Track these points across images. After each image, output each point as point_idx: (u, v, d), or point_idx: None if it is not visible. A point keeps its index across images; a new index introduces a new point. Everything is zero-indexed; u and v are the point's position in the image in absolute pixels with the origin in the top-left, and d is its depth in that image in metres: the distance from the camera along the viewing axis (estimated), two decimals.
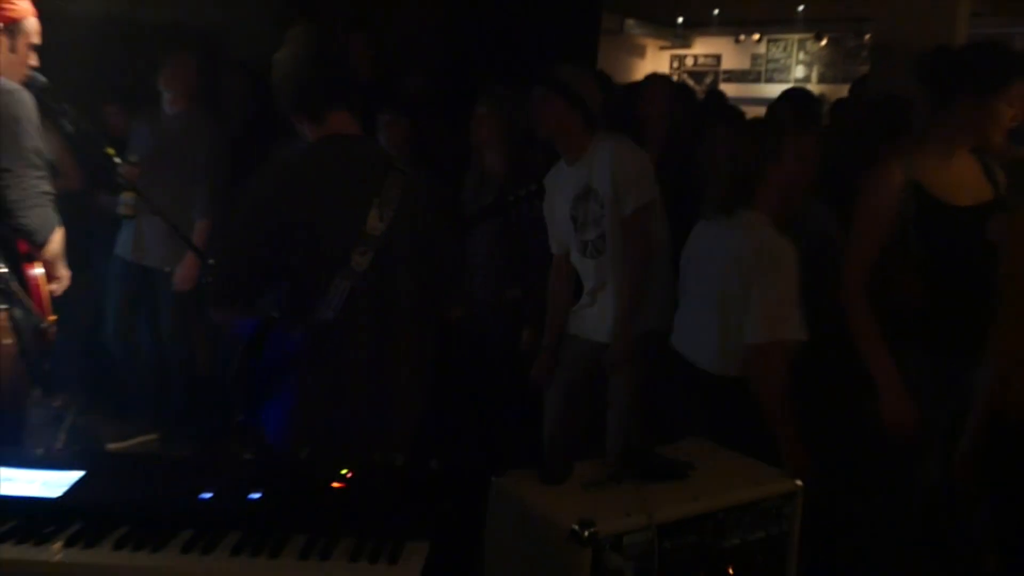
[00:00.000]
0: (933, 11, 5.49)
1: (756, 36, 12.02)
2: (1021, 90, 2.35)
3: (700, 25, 12.03)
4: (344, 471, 1.76)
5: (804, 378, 2.94)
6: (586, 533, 1.74)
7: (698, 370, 2.75)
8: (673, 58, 12.55)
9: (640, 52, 12.31)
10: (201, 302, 4.19)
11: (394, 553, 1.57)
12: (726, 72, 12.35)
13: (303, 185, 2.22)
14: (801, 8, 10.88)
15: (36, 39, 2.72)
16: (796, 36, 11.98)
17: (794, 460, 2.48)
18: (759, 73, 12.12)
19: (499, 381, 3.82)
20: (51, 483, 1.70)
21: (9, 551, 1.53)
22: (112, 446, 4.22)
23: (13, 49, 2.66)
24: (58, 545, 1.55)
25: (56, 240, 2.68)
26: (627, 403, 3.25)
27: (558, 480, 1.96)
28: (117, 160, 3.54)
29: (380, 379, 2.28)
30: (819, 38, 11.77)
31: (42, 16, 2.74)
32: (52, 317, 2.73)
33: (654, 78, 4.57)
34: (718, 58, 12.47)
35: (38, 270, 2.70)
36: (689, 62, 12.51)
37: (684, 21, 11.97)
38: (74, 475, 1.73)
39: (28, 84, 2.69)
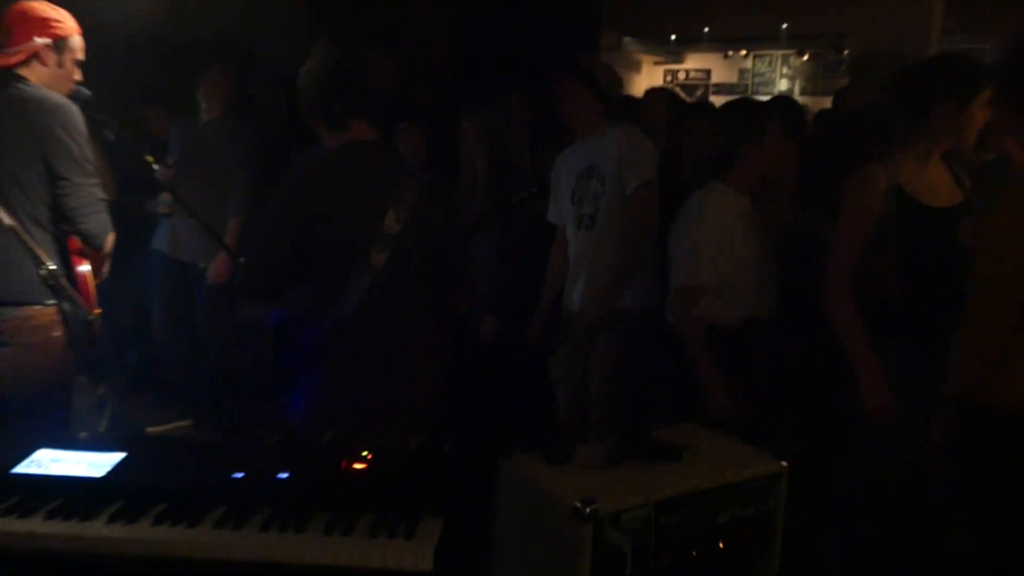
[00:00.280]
0: (908, 29, 5.48)
1: (743, 52, 12.02)
2: (986, 96, 2.38)
3: (691, 42, 12.02)
4: (364, 453, 1.76)
5: (791, 367, 2.95)
6: (587, 510, 1.74)
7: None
8: (666, 72, 12.54)
9: (636, 67, 12.30)
10: (233, 296, 4.21)
11: (410, 529, 1.57)
12: (715, 85, 12.34)
13: (326, 189, 2.22)
14: (784, 26, 10.87)
15: (81, 55, 2.72)
16: (780, 52, 11.97)
17: (713, 394, 2.68)
18: (746, 86, 12.11)
19: (507, 370, 3.81)
20: (95, 464, 1.71)
21: (57, 526, 1.54)
22: (151, 430, 4.24)
23: (60, 64, 2.66)
24: (102, 521, 1.56)
25: (110, 241, 2.69)
26: (607, 374, 3.22)
27: (561, 461, 1.96)
28: (155, 166, 3.55)
29: (396, 368, 2.27)
30: (801, 54, 11.77)
31: (86, 32, 2.74)
32: (97, 311, 2.74)
33: (654, 92, 4.64)
34: (708, 72, 12.46)
35: (85, 267, 2.71)
36: (681, 76, 12.49)
37: (677, 38, 11.96)
38: (116, 457, 1.74)
39: (73, 97, 2.69)
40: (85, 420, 2.95)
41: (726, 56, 12.05)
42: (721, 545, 2.00)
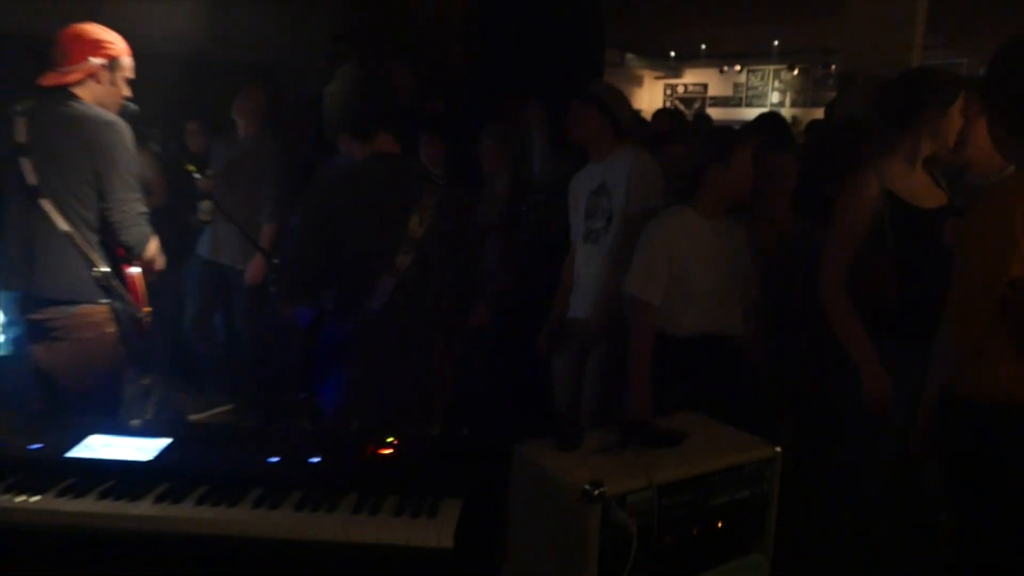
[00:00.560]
0: (892, 45, 5.43)
1: (738, 67, 12.00)
2: (962, 101, 2.41)
3: (690, 58, 12.02)
4: (389, 439, 1.76)
5: (789, 360, 2.93)
6: (595, 492, 1.73)
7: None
8: (666, 86, 12.54)
9: (639, 81, 12.28)
10: (269, 295, 4.23)
11: (432, 509, 1.57)
12: (712, 98, 12.33)
13: (354, 197, 2.22)
14: (776, 43, 10.83)
15: (130, 73, 2.72)
16: (772, 67, 11.94)
17: (639, 407, 2.62)
18: (740, 99, 12.09)
19: (520, 364, 3.80)
20: (143, 448, 1.71)
21: (108, 506, 1.55)
22: (193, 417, 4.24)
23: (112, 83, 2.67)
24: (149, 501, 1.56)
25: (151, 249, 2.70)
26: (599, 374, 3.15)
27: (571, 447, 1.95)
28: (196, 175, 3.57)
29: (418, 362, 2.28)
30: (791, 68, 11.75)
31: (135, 53, 2.75)
32: (147, 308, 2.74)
33: (660, 112, 4.68)
34: (705, 86, 12.45)
35: (134, 269, 2.72)
36: (680, 90, 12.49)
37: (676, 55, 11.95)
38: (162, 442, 1.74)
39: (122, 112, 2.70)
40: (133, 408, 2.97)
41: (722, 71, 12.04)
42: (720, 525, 1.99)
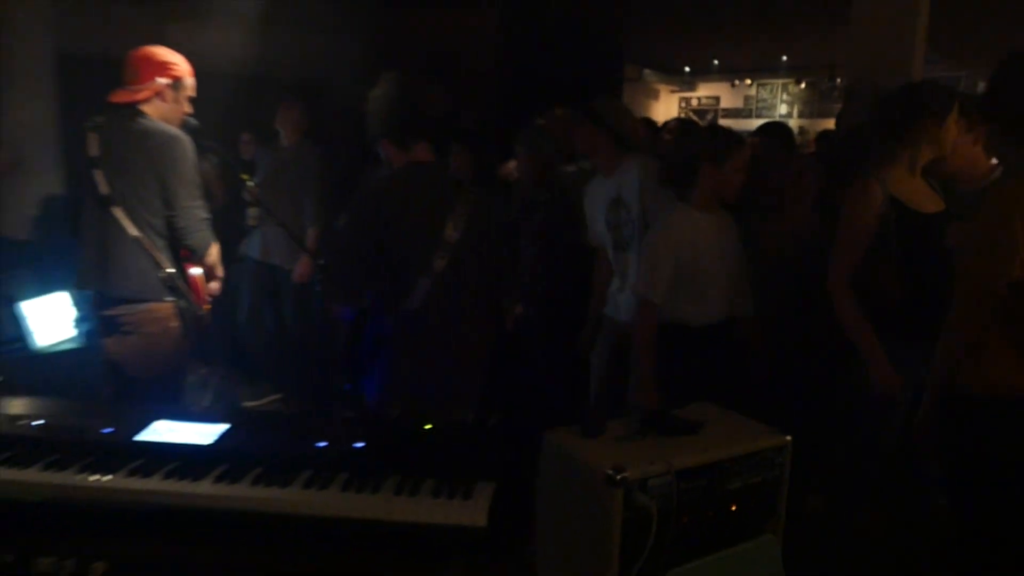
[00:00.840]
0: (893, 59, 5.34)
1: (748, 81, 11.89)
2: (957, 111, 2.40)
3: (703, 73, 11.92)
4: (427, 426, 1.76)
5: (796, 356, 2.89)
6: (618, 477, 1.72)
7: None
8: (681, 99, 12.44)
9: (655, 95, 12.21)
10: (315, 293, 4.26)
11: (467, 491, 1.56)
12: (724, 110, 12.22)
13: (394, 204, 2.22)
14: (784, 58, 10.71)
15: (192, 92, 2.76)
16: (780, 80, 11.82)
17: (645, 397, 2.58)
18: (751, 110, 11.98)
19: (550, 357, 3.79)
20: (203, 433, 1.72)
21: (172, 485, 1.56)
22: (247, 404, 4.28)
23: (176, 100, 2.70)
24: (209, 481, 1.57)
25: (213, 252, 2.73)
26: None
27: (595, 435, 1.94)
28: (250, 184, 3.60)
29: (454, 354, 2.27)
30: (799, 82, 11.62)
31: (196, 73, 2.78)
32: (207, 306, 2.78)
33: (671, 122, 4.65)
34: (717, 99, 12.34)
35: (197, 270, 2.75)
36: (694, 102, 12.39)
37: (690, 70, 11.86)
38: (221, 427, 1.75)
39: (184, 127, 2.73)
40: (193, 396, 3.00)
41: (733, 85, 11.94)
42: (733, 507, 1.97)
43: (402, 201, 2.22)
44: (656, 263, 2.67)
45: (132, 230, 2.56)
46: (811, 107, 11.65)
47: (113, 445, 1.66)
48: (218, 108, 3.40)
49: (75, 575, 1.38)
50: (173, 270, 2.62)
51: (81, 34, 4.95)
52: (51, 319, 3.53)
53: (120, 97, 2.63)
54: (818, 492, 2.75)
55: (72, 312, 3.64)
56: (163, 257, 2.61)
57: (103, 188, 2.56)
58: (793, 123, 11.05)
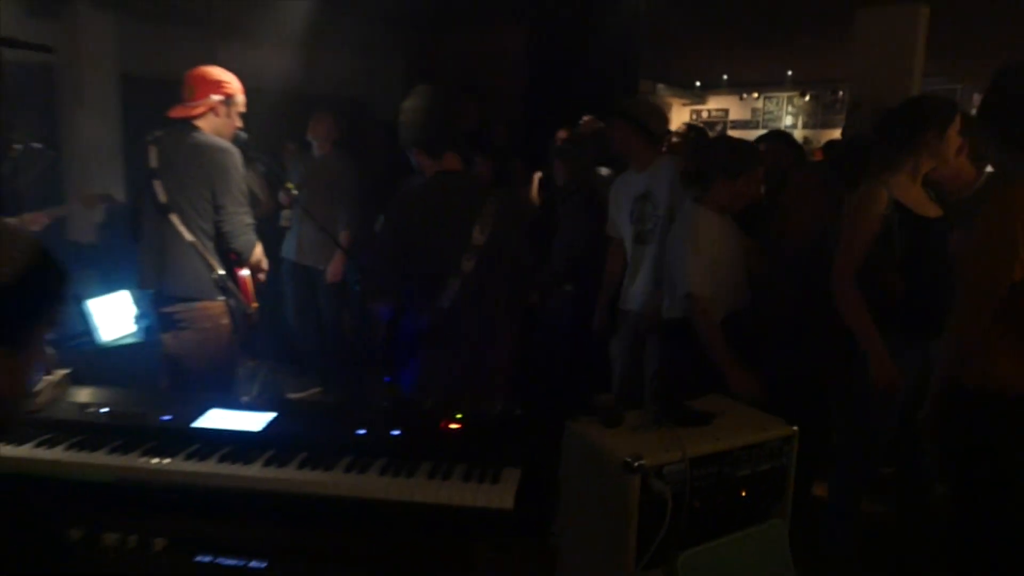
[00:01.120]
0: (894, 74, 5.28)
1: (755, 94, 11.78)
2: (959, 124, 2.36)
3: (713, 87, 11.83)
4: (458, 416, 1.76)
5: (804, 352, 2.85)
6: (635, 464, 1.71)
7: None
8: (692, 112, 12.34)
9: (667, 108, 12.11)
10: (349, 291, 4.29)
11: (495, 476, 1.57)
12: (732, 122, 12.10)
13: (427, 211, 2.23)
14: (790, 73, 10.60)
15: (243, 108, 2.78)
16: (786, 94, 11.69)
17: (737, 382, 2.49)
18: (758, 122, 11.85)
19: (571, 351, 3.77)
20: (253, 420, 1.74)
21: (225, 468, 1.58)
22: (291, 395, 4.31)
23: (228, 115, 2.72)
24: (259, 464, 1.59)
25: (256, 253, 2.75)
26: (658, 358, 3.06)
27: (614, 425, 1.93)
28: (295, 191, 3.62)
29: (482, 349, 2.27)
30: (803, 95, 11.49)
31: (245, 89, 2.81)
32: (255, 305, 2.80)
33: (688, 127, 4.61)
34: (726, 111, 12.23)
35: (244, 272, 2.77)
36: (704, 115, 12.28)
37: (701, 84, 11.77)
38: (269, 415, 1.76)
39: (234, 139, 2.75)
40: (242, 387, 3.03)
41: (741, 98, 11.82)
42: (743, 494, 1.95)
43: (433, 207, 2.22)
44: (700, 260, 2.63)
45: (187, 235, 2.59)
46: (815, 118, 11.52)
47: (172, 431, 1.69)
48: (265, 121, 3.44)
49: (137, 550, 1.40)
50: (224, 272, 2.65)
51: (141, 58, 5.04)
52: (114, 316, 3.58)
53: (177, 112, 2.66)
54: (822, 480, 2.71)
55: (132, 310, 3.70)
56: (215, 260, 2.64)
57: (161, 197, 2.59)
58: (798, 133, 10.93)
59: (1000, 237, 1.71)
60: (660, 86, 10.86)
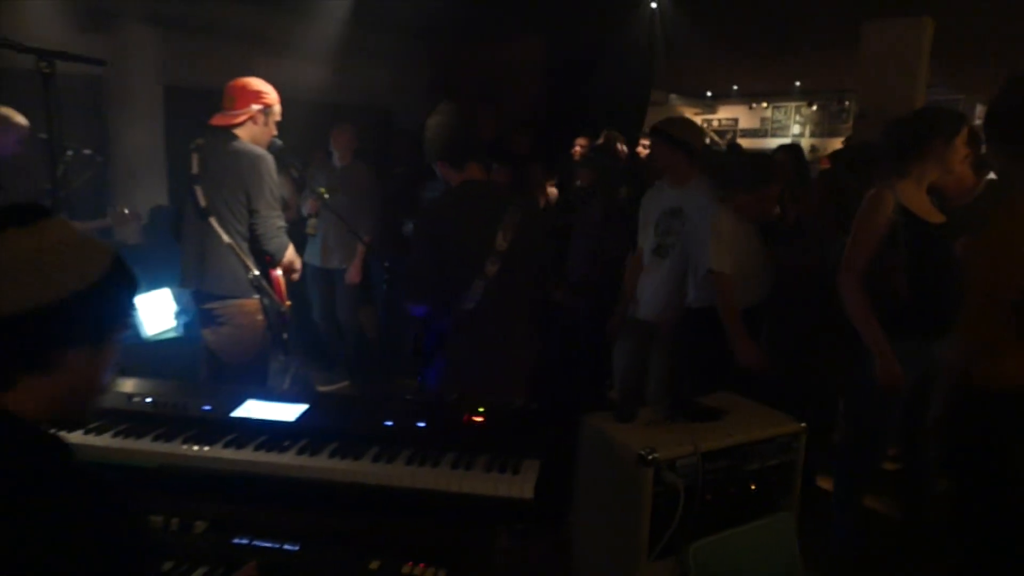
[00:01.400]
0: (898, 84, 5.22)
1: (764, 104, 11.68)
2: (966, 133, 2.35)
3: (723, 97, 11.74)
4: (480, 409, 1.75)
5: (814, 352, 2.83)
6: (649, 457, 1.70)
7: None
8: (703, 121, 12.25)
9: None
10: (370, 293, 4.31)
11: (516, 467, 1.56)
12: (742, 130, 12.02)
13: (452, 218, 2.23)
14: (797, 83, 10.50)
15: (279, 117, 2.80)
16: (793, 103, 11.59)
17: (743, 353, 2.61)
18: (766, 131, 11.76)
19: (588, 351, 3.76)
20: (287, 411, 1.74)
21: (261, 456, 1.59)
22: (320, 388, 4.33)
23: (266, 124, 2.74)
24: (292, 453, 1.60)
25: (289, 254, 2.77)
26: (663, 365, 3.05)
27: (628, 419, 1.93)
28: (326, 196, 3.63)
29: (503, 347, 2.27)
30: (810, 104, 11.39)
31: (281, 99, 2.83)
32: (288, 303, 2.82)
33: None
34: (736, 120, 12.15)
35: (278, 272, 2.79)
36: (715, 124, 12.20)
37: (711, 95, 11.69)
38: (302, 407, 1.77)
39: (270, 146, 2.77)
40: (274, 380, 3.06)
41: (750, 107, 11.74)
42: (753, 487, 1.94)
43: (460, 215, 2.23)
44: (720, 240, 2.71)
45: (225, 237, 2.61)
46: (822, 127, 11.41)
47: (212, 420, 1.70)
48: (297, 129, 3.47)
49: (179, 532, 1.41)
50: (258, 272, 2.67)
51: (183, 69, 5.10)
52: (156, 312, 3.63)
53: (219, 120, 2.68)
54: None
55: (173, 306, 3.74)
56: (251, 261, 2.66)
57: (202, 201, 2.62)
58: (804, 142, 10.83)
59: (1007, 249, 1.68)
60: (672, 96, 10.82)
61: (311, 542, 1.38)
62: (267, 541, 1.38)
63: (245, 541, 1.38)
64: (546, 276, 2.49)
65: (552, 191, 4.24)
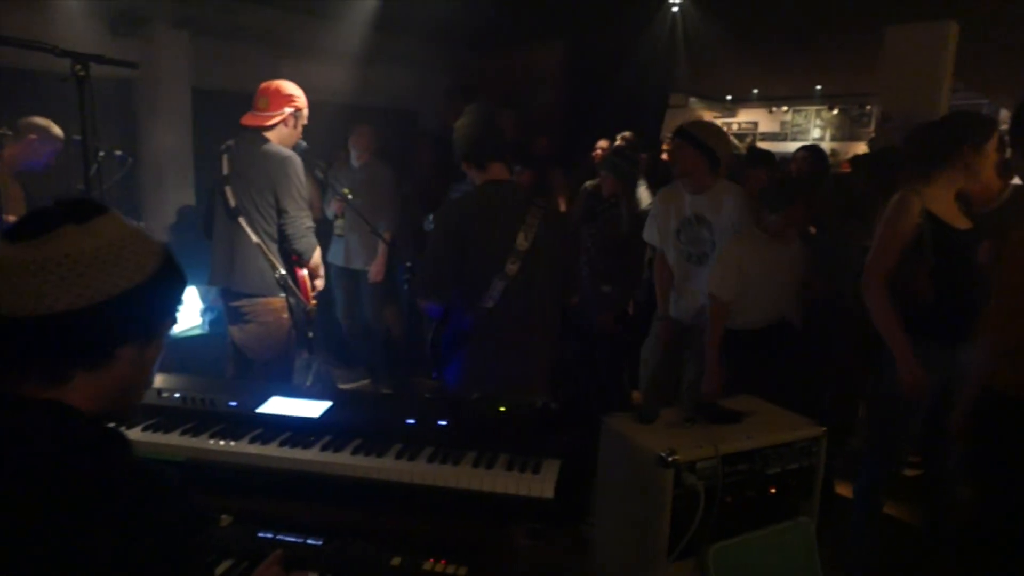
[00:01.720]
0: (921, 88, 5.14)
1: (784, 108, 11.57)
2: (996, 139, 2.30)
3: (743, 101, 11.66)
4: (501, 408, 1.75)
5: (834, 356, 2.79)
6: (670, 459, 1.68)
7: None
8: (723, 125, 12.16)
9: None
10: (392, 291, 4.33)
11: (536, 466, 1.56)
12: (762, 134, 11.91)
13: (474, 216, 2.23)
14: (818, 87, 10.39)
15: (306, 120, 2.83)
16: (814, 107, 11.46)
17: (709, 382, 2.70)
18: (786, 135, 11.64)
19: (610, 351, 3.74)
20: (311, 408, 1.75)
21: (285, 452, 1.60)
22: (342, 386, 4.35)
23: (295, 127, 2.77)
24: (316, 449, 1.60)
25: (316, 256, 2.79)
26: (698, 365, 2.97)
27: (649, 421, 1.91)
28: (350, 197, 3.66)
29: (524, 347, 2.27)
30: (831, 108, 11.25)
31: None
32: (313, 303, 2.84)
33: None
34: (756, 124, 12.04)
35: (304, 271, 2.82)
36: (735, 127, 12.10)
37: (732, 98, 11.60)
38: (326, 404, 1.77)
39: (296, 148, 2.80)
40: (299, 377, 3.08)
41: (771, 111, 11.63)
42: (773, 490, 1.90)
43: (482, 214, 2.23)
44: (726, 269, 2.74)
45: (253, 237, 2.64)
46: (842, 131, 11.27)
47: (238, 416, 1.72)
48: (322, 131, 3.50)
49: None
50: (285, 271, 2.70)
51: (211, 72, 5.16)
52: (183, 309, 3.67)
53: (251, 120, 2.71)
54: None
55: (199, 304, 3.79)
56: (277, 260, 2.69)
57: (232, 201, 2.65)
58: (825, 145, 10.69)
59: None
60: (692, 99, 10.74)
61: (334, 537, 1.39)
62: (291, 535, 1.39)
63: (270, 535, 1.39)
64: (567, 277, 2.47)
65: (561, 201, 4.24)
